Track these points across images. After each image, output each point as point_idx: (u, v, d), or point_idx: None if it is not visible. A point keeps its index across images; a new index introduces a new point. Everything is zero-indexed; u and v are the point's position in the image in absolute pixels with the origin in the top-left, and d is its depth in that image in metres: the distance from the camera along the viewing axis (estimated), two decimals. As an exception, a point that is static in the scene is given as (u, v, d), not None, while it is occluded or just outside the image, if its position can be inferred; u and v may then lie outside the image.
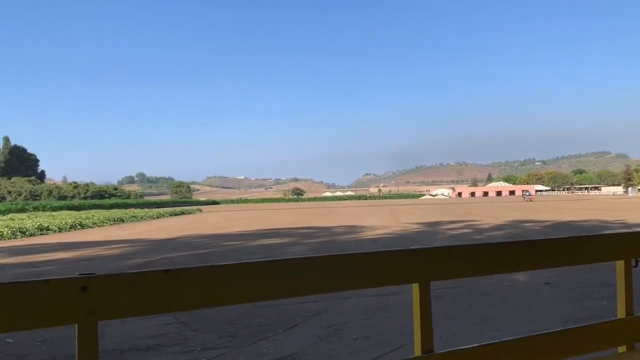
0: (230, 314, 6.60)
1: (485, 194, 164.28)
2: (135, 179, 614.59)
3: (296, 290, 1.77)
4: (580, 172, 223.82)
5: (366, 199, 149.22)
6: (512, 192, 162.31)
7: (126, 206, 70.54)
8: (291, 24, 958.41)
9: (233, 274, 1.60)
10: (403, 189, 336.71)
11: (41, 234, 23.52)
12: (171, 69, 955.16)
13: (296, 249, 14.83)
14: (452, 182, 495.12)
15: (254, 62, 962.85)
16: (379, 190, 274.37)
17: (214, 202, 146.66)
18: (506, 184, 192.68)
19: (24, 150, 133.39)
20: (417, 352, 1.86)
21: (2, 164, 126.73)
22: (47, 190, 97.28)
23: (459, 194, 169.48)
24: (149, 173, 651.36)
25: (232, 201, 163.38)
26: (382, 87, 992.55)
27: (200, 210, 59.02)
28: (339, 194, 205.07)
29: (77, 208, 59.04)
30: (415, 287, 1.88)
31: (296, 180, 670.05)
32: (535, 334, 2.12)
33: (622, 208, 38.40)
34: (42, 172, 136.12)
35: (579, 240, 2.34)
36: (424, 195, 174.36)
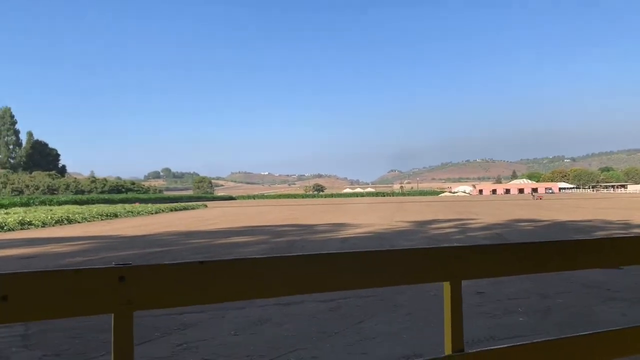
0: (83, 325, 5.89)
1: (507, 191, 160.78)
2: (161, 174, 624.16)
3: (325, 285, 1.77)
4: (608, 169, 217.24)
5: (384, 196, 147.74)
6: (534, 190, 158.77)
7: (136, 201, 70.69)
8: (310, 23, 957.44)
9: (266, 268, 1.60)
10: (428, 185, 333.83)
11: (22, 229, 23.26)
12: (198, 66, 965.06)
13: (251, 248, 14.13)
14: (478, 179, 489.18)
15: (280, 59, 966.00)
16: (401, 187, 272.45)
17: (231, 198, 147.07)
18: (529, 181, 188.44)
19: (45, 145, 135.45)
20: (448, 351, 1.82)
21: (24, 158, 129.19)
22: (64, 185, 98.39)
23: (480, 192, 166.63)
24: (175, 168, 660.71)
25: (249, 197, 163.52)
26: (409, 84, 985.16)
27: (206, 206, 58.54)
28: (359, 190, 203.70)
29: (85, 202, 59.16)
30: (446, 286, 1.85)
31: (320, 176, 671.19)
32: (572, 335, 2.07)
33: (637, 207, 36.64)
34: (63, 166, 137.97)
35: (610, 242, 2.26)
36: (444, 192, 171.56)
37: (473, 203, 58.42)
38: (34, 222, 24.68)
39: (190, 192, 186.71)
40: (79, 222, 28.28)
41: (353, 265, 1.75)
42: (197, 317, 6.39)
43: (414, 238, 16.47)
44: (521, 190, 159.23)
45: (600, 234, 17.45)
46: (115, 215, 33.19)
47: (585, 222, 22.29)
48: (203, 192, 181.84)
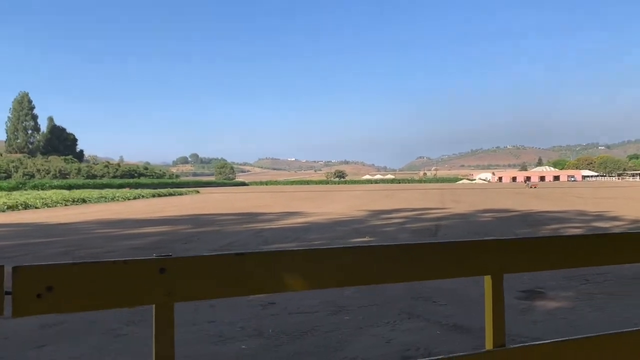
0: None
1: (528, 178, 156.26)
2: (189, 159, 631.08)
3: (363, 278, 1.74)
4: (637, 157, 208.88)
5: (399, 183, 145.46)
6: (556, 177, 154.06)
7: (137, 186, 70.46)
8: (338, 9, 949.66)
9: (305, 260, 1.58)
10: (456, 172, 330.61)
11: (-36, 215, 22.60)
12: (227, 55, 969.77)
13: (136, 241, 13.00)
14: (508, 166, 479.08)
15: (309, 46, 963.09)
16: (424, 174, 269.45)
17: (243, 184, 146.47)
18: (552, 168, 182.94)
19: (63, 129, 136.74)
20: (489, 346, 1.78)
21: (42, 143, 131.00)
22: (75, 169, 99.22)
23: (500, 179, 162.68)
24: (203, 154, 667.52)
25: (261, 183, 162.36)
26: (439, 69, 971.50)
27: (198, 192, 57.56)
28: (378, 177, 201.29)
29: (80, 187, 58.92)
30: (488, 280, 1.80)
31: (346, 162, 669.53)
32: (621, 331, 1.95)
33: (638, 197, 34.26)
34: (81, 151, 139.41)
35: None
36: (462, 180, 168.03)
37: (472, 191, 56.34)
38: (-20, 208, 24.02)
39: (214, 178, 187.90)
40: (37, 208, 27.54)
41: (393, 258, 1.69)
42: None
43: (338, 230, 15.12)
44: (542, 178, 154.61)
45: (552, 227, 15.80)
46: (84, 201, 32.39)
47: (557, 214, 20.54)
48: (225, 177, 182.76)
